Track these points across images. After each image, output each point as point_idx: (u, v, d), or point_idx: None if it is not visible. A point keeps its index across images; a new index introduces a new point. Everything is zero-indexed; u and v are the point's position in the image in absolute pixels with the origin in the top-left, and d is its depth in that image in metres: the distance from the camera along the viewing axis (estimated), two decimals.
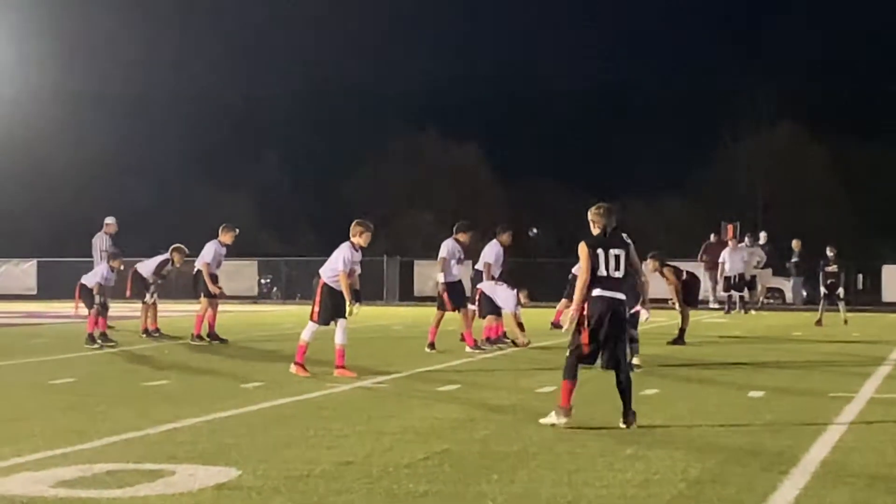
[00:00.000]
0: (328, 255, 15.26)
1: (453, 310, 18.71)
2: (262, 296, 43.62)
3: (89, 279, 20.16)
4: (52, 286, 41.81)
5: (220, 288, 20.98)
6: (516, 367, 16.10)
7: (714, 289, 35.70)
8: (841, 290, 27.20)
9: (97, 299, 19.80)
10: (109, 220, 26.23)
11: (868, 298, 38.67)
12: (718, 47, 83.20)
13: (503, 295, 19.02)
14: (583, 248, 10.61)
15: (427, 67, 79.03)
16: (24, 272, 45.13)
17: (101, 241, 25.73)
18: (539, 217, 63.19)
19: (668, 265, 20.71)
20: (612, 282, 10.50)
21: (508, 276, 19.88)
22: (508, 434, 9.98)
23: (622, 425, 10.23)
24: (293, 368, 14.79)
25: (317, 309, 14.92)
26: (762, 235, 37.73)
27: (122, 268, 21.24)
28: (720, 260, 33.74)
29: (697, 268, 32.84)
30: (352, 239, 14.96)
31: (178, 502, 7.45)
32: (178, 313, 28.18)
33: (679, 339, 20.16)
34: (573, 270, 20.34)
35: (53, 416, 11.09)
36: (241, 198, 69.41)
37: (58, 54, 66.80)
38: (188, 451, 9.13)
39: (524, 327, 19.27)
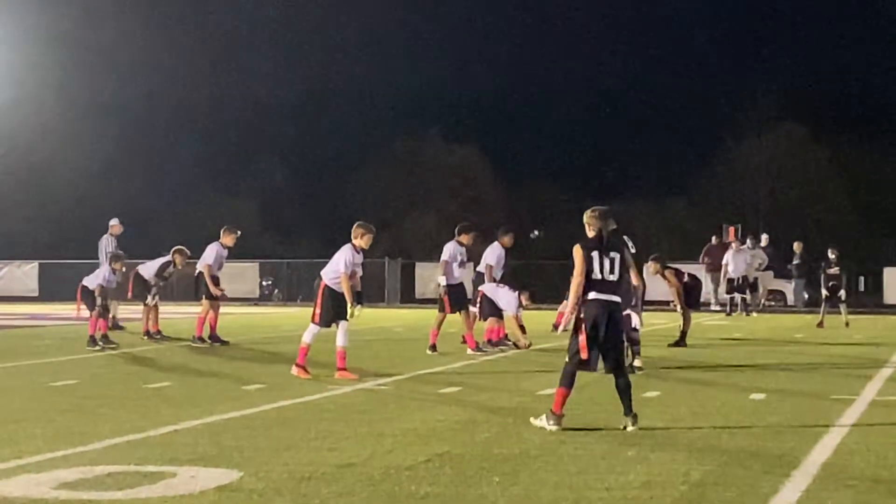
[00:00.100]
0: (329, 257, 15.27)
1: (453, 311, 18.72)
2: (264, 298, 43.63)
3: (91, 281, 20.17)
4: (53, 288, 41.83)
5: (221, 290, 20.99)
6: (518, 369, 16.09)
7: (715, 291, 35.72)
8: (842, 293, 27.19)
9: (99, 301, 19.81)
10: (114, 221, 26.29)
11: (869, 300, 38.68)
12: (720, 49, 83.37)
13: (505, 297, 19.01)
14: (577, 251, 10.60)
15: (428, 70, 79.15)
16: (25, 274, 45.16)
17: (106, 243, 25.79)
18: (540, 219, 63.31)
19: (670, 267, 20.72)
20: (607, 285, 10.49)
21: (510, 278, 19.89)
22: (510, 436, 9.98)
23: (629, 428, 10.22)
24: (294, 370, 14.79)
25: (318, 311, 14.92)
26: (764, 237, 37.75)
27: (123, 270, 21.25)
28: (724, 262, 33.76)
29: (699, 270, 32.86)
30: (353, 241, 14.96)
31: None
32: (180, 315, 28.19)
33: (680, 342, 20.15)
34: None
35: (55, 418, 11.09)
36: (242, 200, 69.45)
37: (61, 58, 66.85)
38: (189, 452, 9.13)
39: (525, 329, 19.26)
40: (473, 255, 19.69)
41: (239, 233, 21.40)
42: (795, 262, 37.40)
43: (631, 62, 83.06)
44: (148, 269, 22.33)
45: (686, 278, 20.71)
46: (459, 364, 16.85)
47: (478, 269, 19.68)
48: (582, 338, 10.35)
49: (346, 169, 73.63)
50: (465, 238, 18.96)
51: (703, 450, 9.31)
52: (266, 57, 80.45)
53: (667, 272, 20.38)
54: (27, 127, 63.56)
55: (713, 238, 37.37)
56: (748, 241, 36.03)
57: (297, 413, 11.54)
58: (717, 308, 34.96)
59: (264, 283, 44.98)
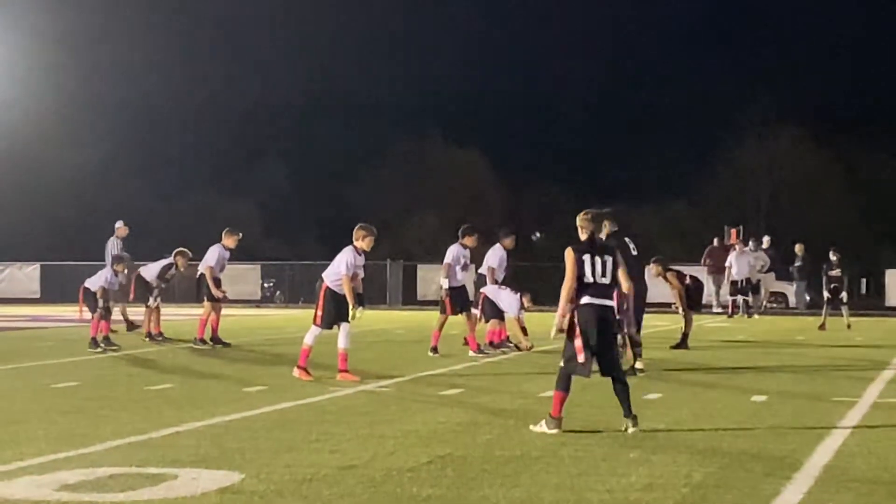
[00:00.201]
0: (331, 259, 15.26)
1: (454, 314, 18.73)
2: (266, 300, 43.64)
3: (93, 283, 20.18)
4: (55, 290, 41.84)
5: (223, 292, 21.00)
6: (519, 371, 16.09)
7: (717, 293, 35.72)
8: (844, 295, 27.19)
9: (101, 303, 19.82)
10: (119, 224, 26.38)
11: (871, 303, 38.74)
12: (721, 51, 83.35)
13: (506, 299, 19.01)
14: (569, 254, 10.59)
15: (430, 72, 79.15)
16: (27, 276, 45.16)
17: (112, 246, 25.87)
18: (541, 221, 63.32)
19: (672, 269, 20.73)
20: (599, 288, 10.48)
21: (511, 280, 19.89)
22: (511, 438, 9.98)
23: (629, 429, 10.23)
24: (296, 372, 14.80)
25: (320, 313, 14.92)
26: (765, 240, 37.75)
27: (126, 272, 21.26)
28: (727, 264, 33.79)
29: (701, 272, 32.85)
30: (355, 243, 14.97)
31: None
32: (182, 317, 28.20)
33: (682, 344, 20.15)
34: None
35: (56, 420, 11.09)
36: (244, 202, 69.48)
37: (62, 59, 66.89)
38: (191, 454, 9.13)
39: (527, 331, 19.26)
40: (475, 258, 19.70)
41: (241, 235, 21.40)
42: (797, 264, 37.40)
43: (632, 64, 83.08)
44: (150, 270, 22.35)
45: (688, 280, 20.71)
46: (461, 366, 16.85)
47: (479, 271, 19.69)
48: (578, 343, 10.34)
49: (348, 171, 73.67)
50: (468, 240, 18.96)
51: (705, 452, 9.31)
52: (268, 59, 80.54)
53: (669, 274, 20.39)
54: (28, 128, 63.58)
55: (714, 240, 37.37)
56: (751, 243, 36.04)
57: (299, 415, 11.54)
58: (719, 310, 34.96)
59: (266, 285, 44.99)
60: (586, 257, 10.52)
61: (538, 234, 60.72)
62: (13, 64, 59.22)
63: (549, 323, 10.70)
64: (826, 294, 27.35)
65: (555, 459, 8.94)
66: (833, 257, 27.47)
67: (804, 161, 67.27)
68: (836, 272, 27.32)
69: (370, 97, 77.04)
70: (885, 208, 64.86)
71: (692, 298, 20.78)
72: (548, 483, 8.07)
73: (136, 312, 23.93)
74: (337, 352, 14.81)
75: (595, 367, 10.49)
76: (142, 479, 8.19)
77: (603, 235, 15.26)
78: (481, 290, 19.29)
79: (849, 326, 26.46)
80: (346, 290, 14.69)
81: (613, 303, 10.63)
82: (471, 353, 18.43)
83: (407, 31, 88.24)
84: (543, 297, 20.95)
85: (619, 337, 15.37)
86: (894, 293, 38.31)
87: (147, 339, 21.65)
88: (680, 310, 20.55)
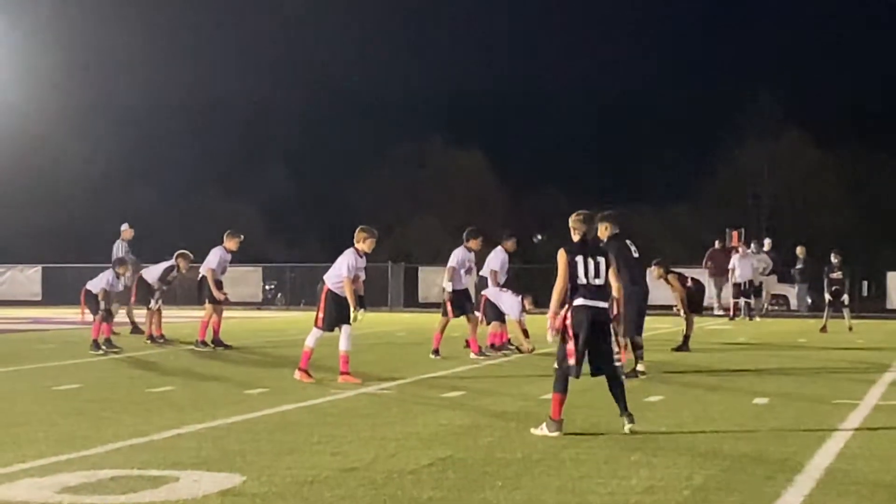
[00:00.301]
0: (333, 261, 15.26)
1: (455, 316, 18.74)
2: (267, 302, 43.64)
3: (95, 285, 20.18)
4: (57, 292, 41.87)
5: (225, 294, 21.00)
6: (521, 374, 16.09)
7: (718, 296, 35.71)
8: (845, 297, 27.20)
9: (102, 305, 19.82)
10: (124, 226, 26.45)
11: (873, 305, 38.66)
12: (723, 54, 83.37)
13: (508, 301, 19.03)
14: (562, 255, 10.59)
15: (431, 74, 79.19)
16: (28, 278, 45.17)
17: (118, 248, 25.93)
18: (543, 224, 63.31)
19: (673, 272, 20.72)
20: (592, 289, 10.48)
21: (513, 282, 19.89)
22: (512, 441, 9.98)
23: (626, 426, 10.25)
24: (297, 374, 14.80)
25: (321, 315, 14.92)
26: (766, 242, 37.75)
27: (127, 274, 21.27)
28: (730, 266, 33.79)
29: (702, 274, 32.84)
30: (356, 245, 14.97)
31: None
32: (183, 319, 28.20)
33: (683, 346, 20.15)
34: None
35: (58, 422, 11.09)
36: (246, 204, 69.48)
37: (65, 62, 66.93)
38: (192, 457, 9.13)
39: (528, 334, 19.26)
40: (477, 260, 19.70)
41: (242, 237, 21.40)
42: (798, 266, 37.38)
43: (634, 67, 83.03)
44: (151, 273, 22.37)
45: (689, 283, 20.71)
46: (462, 368, 16.85)
47: (481, 273, 19.68)
48: (570, 344, 10.35)
49: (349, 173, 73.70)
50: (473, 243, 18.96)
51: (706, 454, 9.31)
52: (270, 61, 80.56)
53: (670, 276, 20.39)
54: (30, 130, 63.58)
55: (716, 242, 37.35)
56: (753, 245, 36.02)
57: (300, 417, 11.54)
58: (720, 313, 34.95)
59: (267, 287, 44.99)
60: (579, 258, 10.52)
61: (539, 237, 60.71)
62: (17, 66, 59.24)
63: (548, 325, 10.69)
64: (827, 296, 27.35)
65: (556, 462, 8.94)
66: (834, 259, 27.47)
67: (805, 163, 67.28)
68: (837, 274, 27.32)
69: (372, 99, 77.09)
70: (887, 210, 64.85)
71: (693, 301, 20.77)
72: (549, 485, 8.07)
73: (141, 315, 23.95)
74: (338, 354, 14.81)
75: (586, 368, 10.50)
76: (143, 481, 8.19)
77: (604, 238, 15.28)
78: (483, 292, 19.30)
79: (850, 329, 26.47)
80: (347, 293, 14.69)
81: (606, 304, 10.61)
82: (472, 356, 18.44)
83: (409, 34, 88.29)
84: (545, 299, 20.92)
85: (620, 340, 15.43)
86: None
87: (148, 342, 21.65)
88: (681, 312, 20.55)
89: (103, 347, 19.61)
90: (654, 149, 71.81)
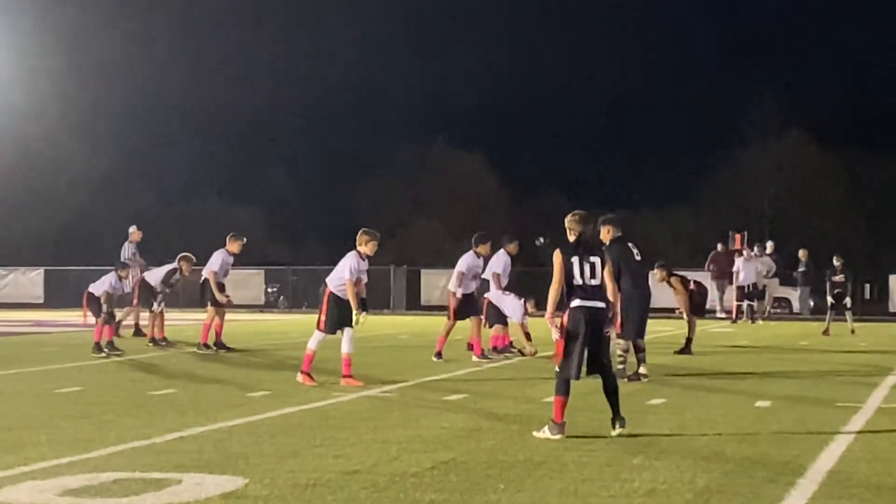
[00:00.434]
0: (335, 264, 15.27)
1: (459, 318, 18.75)
2: (269, 304, 43.67)
3: (97, 288, 20.19)
4: (59, 295, 41.92)
5: (228, 296, 21.00)
6: (523, 377, 16.08)
7: (721, 298, 35.70)
8: (848, 300, 27.19)
9: (105, 308, 19.82)
10: (132, 229, 26.53)
11: (875, 308, 38.68)
12: (725, 56, 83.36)
13: (510, 304, 19.03)
14: (557, 256, 10.58)
15: (434, 77, 79.25)
16: (30, 281, 45.21)
17: (126, 250, 25.99)
18: (545, 226, 63.36)
19: (676, 274, 20.71)
20: (589, 290, 10.47)
21: (515, 285, 19.89)
22: (515, 443, 9.98)
23: (616, 429, 10.24)
24: (300, 377, 14.79)
25: (323, 318, 14.92)
26: (769, 245, 37.73)
27: (129, 277, 21.28)
28: (734, 269, 33.78)
29: (705, 277, 32.85)
30: (358, 248, 14.97)
31: None
32: (185, 322, 28.20)
33: (686, 349, 20.14)
34: None
35: (60, 425, 11.09)
36: (248, 207, 69.55)
37: (66, 65, 66.98)
38: (195, 459, 9.13)
39: (531, 336, 19.27)
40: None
41: (245, 240, 21.42)
42: (801, 269, 37.38)
43: (636, 69, 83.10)
44: (154, 276, 22.40)
45: (692, 286, 20.71)
46: (464, 371, 16.85)
47: (483, 276, 19.67)
48: (560, 343, 10.36)
49: (352, 176, 73.80)
50: (482, 249, 18.94)
51: (709, 457, 9.30)
52: (273, 65, 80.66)
53: (673, 279, 20.37)
54: (33, 133, 63.67)
55: (718, 245, 37.35)
56: (755, 248, 36.02)
57: (303, 420, 11.54)
58: (723, 315, 34.94)
59: (270, 290, 45.03)
60: (574, 259, 10.52)
61: (542, 240, 60.72)
62: (18, 69, 59.32)
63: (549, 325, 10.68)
64: (830, 299, 27.34)
65: (558, 465, 8.93)
66: (837, 263, 27.45)
67: (808, 166, 67.29)
68: (839, 277, 27.31)
69: (374, 103, 77.32)
70: (889, 213, 64.86)
71: (695, 304, 20.77)
72: (551, 488, 8.07)
73: (143, 317, 23.98)
74: (340, 357, 14.81)
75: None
76: (145, 484, 8.19)
77: (606, 241, 15.28)
78: (485, 295, 19.29)
79: (853, 332, 26.45)
80: (349, 295, 14.69)
81: (603, 304, 10.60)
82: (474, 359, 18.44)
83: (412, 38, 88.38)
84: (547, 302, 20.93)
85: (621, 342, 15.43)
86: None
87: (150, 344, 21.66)
88: (684, 315, 20.54)
89: (105, 350, 19.61)
90: (655, 151, 71.89)
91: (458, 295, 18.68)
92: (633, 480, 8.32)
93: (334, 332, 14.89)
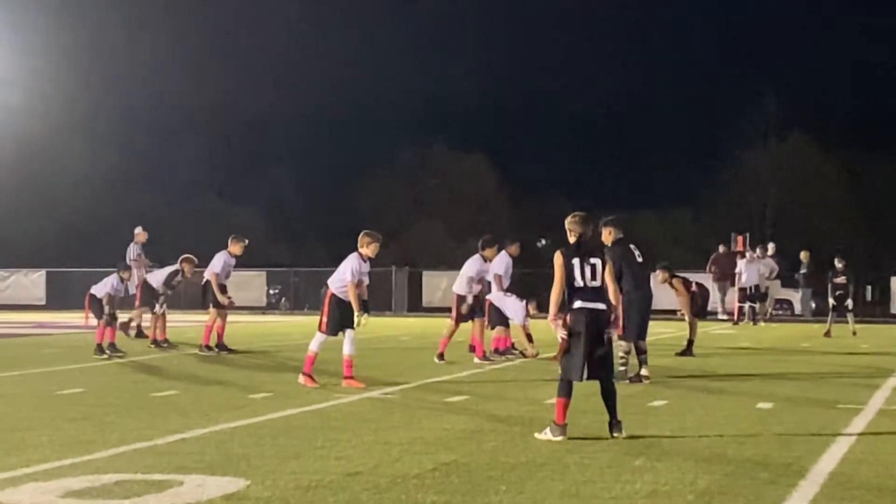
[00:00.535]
0: (337, 265, 15.27)
1: (463, 321, 18.77)
2: (271, 306, 43.68)
3: (99, 289, 20.20)
4: (61, 296, 41.94)
5: (230, 298, 21.00)
6: (525, 378, 16.08)
7: (722, 300, 35.69)
8: (850, 302, 27.19)
9: (107, 310, 19.83)
10: (138, 230, 26.58)
11: (877, 310, 38.66)
12: (727, 58, 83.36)
13: (512, 306, 19.04)
14: (558, 258, 10.57)
15: (434, 78, 79.25)
16: (32, 282, 45.24)
17: (131, 251, 26.03)
18: (547, 228, 63.30)
19: (678, 276, 20.70)
20: (590, 292, 10.46)
21: (516, 287, 19.89)
22: (517, 445, 9.98)
23: (614, 435, 10.23)
24: (301, 379, 14.80)
25: (325, 319, 14.93)
26: (770, 247, 37.69)
27: (131, 279, 21.29)
28: (737, 271, 33.76)
29: (706, 279, 32.83)
30: (360, 250, 14.98)
31: None
32: (187, 324, 28.21)
33: (687, 351, 20.13)
34: None
35: (62, 427, 11.10)
36: (250, 208, 69.54)
37: (68, 66, 67.00)
38: (196, 461, 9.14)
39: (532, 338, 19.27)
40: None
41: (246, 241, 21.43)
42: (802, 271, 37.34)
43: (637, 70, 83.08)
44: (156, 277, 22.42)
45: (694, 287, 20.71)
46: (466, 373, 16.85)
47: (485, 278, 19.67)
48: (562, 347, 10.36)
49: (353, 177, 73.77)
50: (489, 252, 18.95)
51: (710, 459, 9.30)
52: (274, 66, 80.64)
53: (675, 281, 20.37)
54: (34, 134, 63.68)
55: (720, 247, 37.33)
56: (758, 250, 36.01)
57: (304, 421, 11.54)
58: (724, 317, 34.93)
59: (271, 291, 45.04)
60: (575, 261, 10.51)
61: (544, 241, 60.67)
62: (22, 70, 59.35)
63: (552, 328, 10.67)
64: (831, 301, 27.34)
65: (560, 466, 8.94)
66: (838, 264, 27.45)
67: (809, 167, 67.26)
68: (841, 279, 27.31)
69: (376, 104, 77.24)
70: (891, 214, 64.83)
71: (697, 305, 20.77)
72: (553, 490, 8.07)
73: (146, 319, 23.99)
74: (342, 358, 14.82)
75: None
76: (147, 485, 8.19)
77: (608, 242, 15.29)
78: (487, 296, 19.30)
79: (854, 333, 26.44)
80: (351, 297, 14.70)
81: (604, 306, 10.59)
82: (476, 360, 18.44)
83: (413, 39, 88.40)
84: (548, 304, 20.93)
85: (622, 343, 15.43)
86: None
87: (152, 346, 21.66)
88: (686, 317, 20.54)
89: (107, 352, 19.62)
90: (657, 153, 71.85)
91: (469, 300, 18.69)
92: (634, 482, 8.32)
93: (336, 334, 14.89)
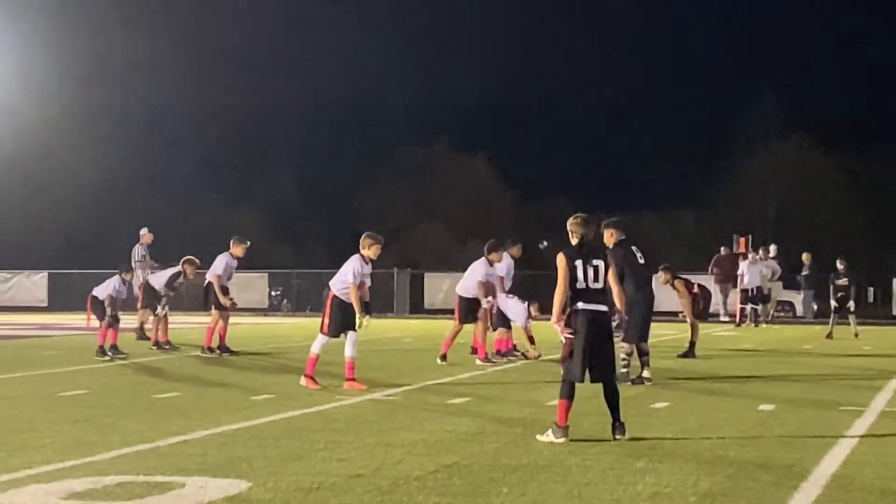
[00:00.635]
0: (338, 267, 15.27)
1: (466, 322, 18.78)
2: (273, 308, 43.67)
3: (101, 291, 20.20)
4: (62, 298, 41.93)
5: (231, 299, 20.99)
6: (526, 380, 16.09)
7: (724, 302, 35.66)
8: (851, 304, 27.17)
9: (108, 311, 19.84)
10: (143, 231, 26.61)
11: (879, 311, 38.63)
12: (728, 59, 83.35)
13: (514, 308, 19.05)
14: (561, 260, 10.57)
15: (436, 79, 79.24)
16: (34, 284, 45.23)
17: (136, 252, 26.04)
18: (549, 230, 63.31)
19: (680, 278, 20.69)
20: (592, 293, 10.46)
21: (518, 288, 19.90)
22: (518, 447, 9.98)
23: (617, 437, 10.23)
24: (303, 381, 14.80)
25: (327, 321, 14.93)
26: (772, 248, 37.68)
27: (133, 281, 21.29)
28: (739, 272, 33.74)
29: (708, 281, 32.83)
30: (362, 251, 14.97)
31: None
32: (189, 325, 28.22)
33: (689, 352, 20.13)
34: None
35: (64, 428, 11.11)
36: (252, 211, 69.54)
37: (69, 68, 67.01)
38: (198, 463, 9.14)
39: (534, 340, 19.27)
40: None
41: (248, 243, 21.42)
42: (804, 272, 37.35)
43: (639, 71, 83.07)
44: (158, 279, 22.42)
45: (695, 289, 20.71)
46: (468, 375, 16.85)
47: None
48: (566, 349, 10.37)
49: (355, 179, 73.77)
50: (495, 257, 18.94)
51: (712, 461, 9.30)
52: (274, 67, 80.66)
53: (676, 282, 20.35)
54: (36, 136, 63.69)
55: (722, 249, 37.30)
56: (760, 251, 35.99)
57: (306, 423, 11.55)
58: (726, 319, 34.92)
59: (273, 293, 45.03)
60: (578, 263, 10.51)
61: (545, 243, 60.66)
62: (23, 73, 59.37)
63: (556, 331, 10.67)
64: (833, 303, 27.34)
65: (562, 468, 8.94)
66: (840, 266, 27.44)
67: (811, 169, 67.22)
68: (843, 281, 27.30)
69: (377, 105, 77.19)
70: (893, 216, 64.77)
71: (698, 307, 20.76)
72: (555, 492, 8.07)
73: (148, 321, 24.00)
74: (344, 360, 14.82)
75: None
76: (149, 487, 8.20)
77: (610, 244, 15.28)
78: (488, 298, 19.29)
79: (856, 335, 26.42)
80: (353, 299, 14.70)
81: (606, 307, 10.59)
82: (478, 362, 18.44)
83: (414, 39, 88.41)
84: (550, 305, 20.92)
85: (624, 345, 15.43)
86: None
87: (154, 348, 21.66)
88: (688, 318, 20.53)
89: (109, 353, 19.63)
90: (659, 154, 71.83)
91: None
92: (636, 484, 8.32)
93: (338, 336, 14.89)
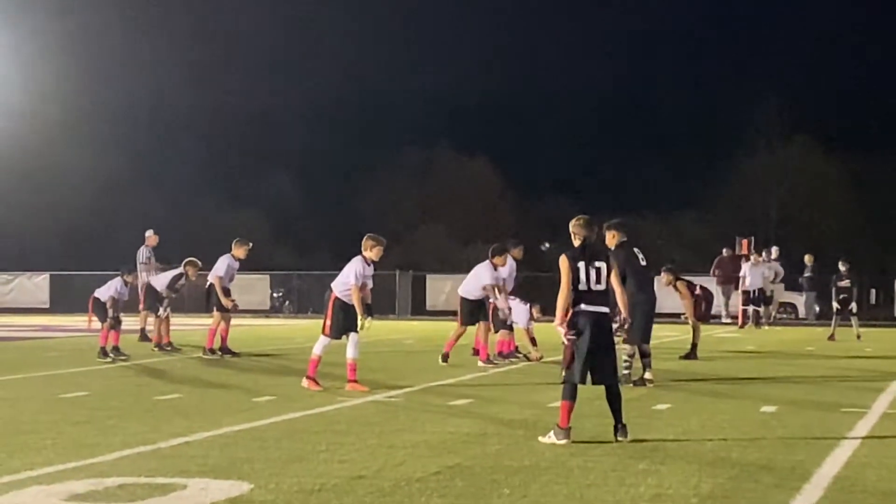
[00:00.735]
0: (340, 269, 15.27)
1: (468, 323, 18.78)
2: (275, 309, 43.67)
3: (102, 293, 20.21)
4: (64, 300, 41.92)
5: (233, 301, 20.99)
6: (528, 382, 16.08)
7: (726, 304, 35.66)
8: (854, 305, 27.16)
9: (110, 313, 19.84)
10: (149, 233, 26.65)
11: (881, 313, 38.61)
12: (731, 61, 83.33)
13: (516, 310, 19.05)
14: (563, 261, 10.56)
15: (438, 80, 79.21)
16: (36, 286, 45.24)
17: (141, 254, 26.05)
18: (551, 231, 63.32)
19: (682, 279, 20.69)
20: (594, 295, 10.46)
21: (520, 290, 19.89)
22: (520, 448, 9.98)
23: (619, 439, 10.23)
24: (305, 382, 14.80)
25: (329, 323, 14.93)
26: (774, 250, 37.67)
27: (135, 282, 21.29)
28: (741, 274, 33.74)
29: (710, 282, 32.82)
30: (364, 253, 14.97)
31: None
32: (191, 327, 28.22)
33: (691, 354, 20.12)
34: None
35: (65, 430, 11.11)
36: (254, 212, 69.51)
37: (71, 68, 67.03)
38: (200, 464, 9.14)
39: (536, 342, 19.27)
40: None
41: (250, 245, 21.42)
42: (806, 274, 37.35)
43: (641, 73, 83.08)
44: (160, 280, 22.43)
45: (697, 290, 20.70)
46: (470, 376, 16.84)
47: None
48: (568, 351, 10.36)
49: (357, 180, 73.76)
50: (499, 260, 18.93)
51: (714, 462, 9.30)
52: (277, 68, 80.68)
53: (679, 284, 20.35)
54: (37, 137, 63.68)
55: (724, 250, 37.31)
56: (763, 253, 35.99)
57: (308, 425, 11.54)
58: (729, 321, 34.91)
59: (275, 294, 45.04)
60: (580, 264, 10.51)
61: (547, 245, 60.68)
62: (24, 73, 59.36)
63: (559, 334, 10.67)
64: (835, 304, 27.32)
65: (564, 470, 8.93)
66: (842, 268, 27.44)
67: (814, 171, 67.16)
68: (845, 283, 27.29)
69: (379, 106, 77.18)
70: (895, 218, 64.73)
71: (700, 309, 20.76)
72: (557, 493, 8.06)
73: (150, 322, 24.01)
74: (346, 362, 14.82)
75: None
76: (150, 489, 8.20)
77: (612, 246, 15.28)
78: (491, 300, 19.29)
79: (858, 337, 26.41)
80: (354, 301, 14.70)
81: (608, 309, 10.59)
82: (480, 364, 18.44)
83: (416, 41, 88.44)
84: (552, 307, 20.92)
85: (626, 347, 15.42)
86: None
87: (156, 349, 21.67)
88: (689, 320, 20.53)
89: (111, 355, 19.64)
90: (660, 156, 71.80)
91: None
92: (638, 486, 8.32)
93: (340, 338, 14.89)
